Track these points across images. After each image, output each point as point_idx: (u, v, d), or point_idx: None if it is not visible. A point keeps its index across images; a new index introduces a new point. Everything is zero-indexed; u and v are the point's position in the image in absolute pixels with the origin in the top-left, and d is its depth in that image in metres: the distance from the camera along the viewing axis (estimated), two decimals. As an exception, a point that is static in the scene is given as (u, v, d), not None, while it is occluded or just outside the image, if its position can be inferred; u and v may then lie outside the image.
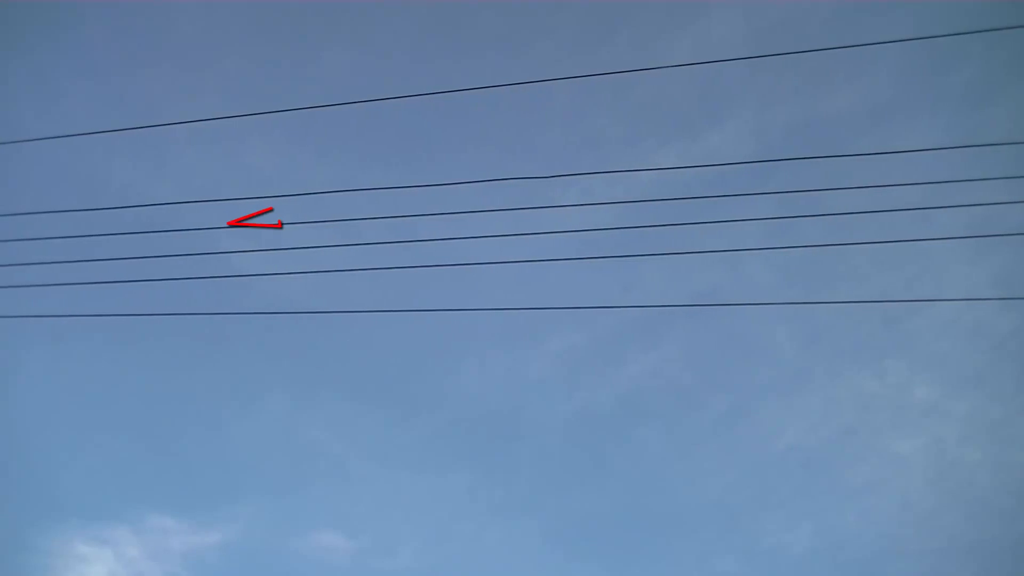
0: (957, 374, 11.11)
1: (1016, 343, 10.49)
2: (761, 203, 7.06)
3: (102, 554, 11.66)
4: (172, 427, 12.28)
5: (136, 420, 12.30)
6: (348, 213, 7.01)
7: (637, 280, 10.42)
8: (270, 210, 7.33)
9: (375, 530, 11.85)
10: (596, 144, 10.95)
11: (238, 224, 7.33)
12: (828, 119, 10.55)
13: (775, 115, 10.77)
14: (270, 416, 12.44)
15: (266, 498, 12.06)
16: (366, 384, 12.42)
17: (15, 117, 11.10)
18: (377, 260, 7.12)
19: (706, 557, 11.30)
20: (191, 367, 12.36)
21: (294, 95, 10.30)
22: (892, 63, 10.11)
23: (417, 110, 10.94)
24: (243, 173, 11.33)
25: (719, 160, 7.23)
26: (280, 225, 7.29)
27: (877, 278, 9.91)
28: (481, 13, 11.06)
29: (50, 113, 11.31)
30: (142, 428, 12.26)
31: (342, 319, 11.66)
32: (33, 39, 11.17)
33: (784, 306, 11.27)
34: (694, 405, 11.98)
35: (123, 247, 7.32)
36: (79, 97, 11.46)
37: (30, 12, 11.06)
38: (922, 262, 9.90)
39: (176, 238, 7.28)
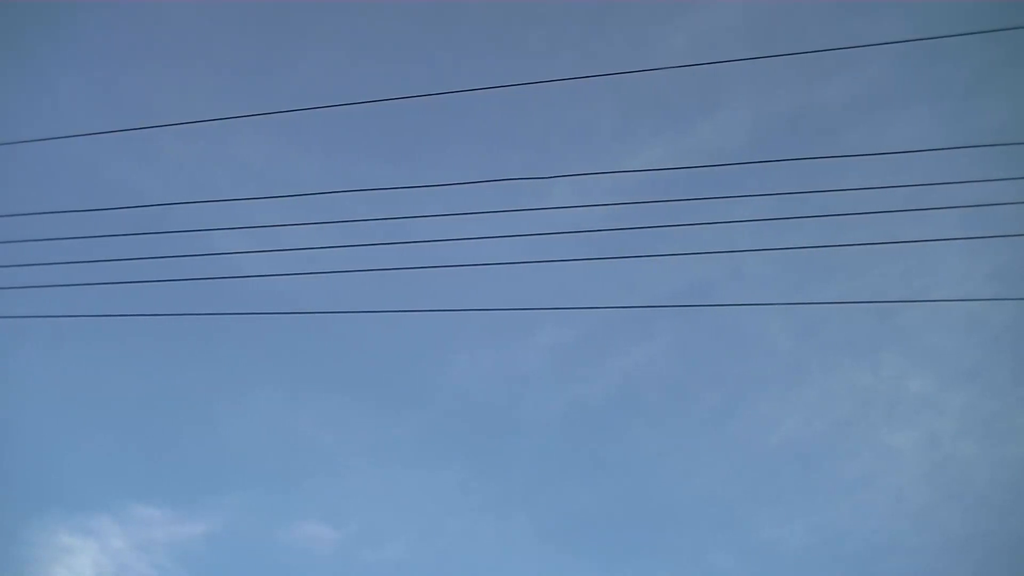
0: (952, 368, 11.08)
1: (1012, 337, 10.46)
2: (755, 198, 7.00)
3: (87, 545, 11.68)
4: (163, 420, 12.29)
5: (127, 414, 12.33)
6: (341, 212, 7.00)
7: (629, 274, 10.33)
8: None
9: (362, 522, 11.86)
10: (588, 135, 10.88)
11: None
12: (822, 110, 10.49)
13: (768, 106, 10.70)
14: (260, 410, 12.45)
15: (254, 490, 12.08)
16: (357, 378, 12.42)
17: (13, 117, 11.08)
18: (369, 258, 7.10)
19: (700, 552, 11.29)
20: (182, 361, 12.37)
21: (290, 95, 10.30)
22: (887, 55, 10.02)
23: (409, 107, 10.86)
24: (240, 172, 11.34)
25: (711, 150, 7.18)
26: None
27: (872, 272, 9.86)
28: (476, 5, 10.99)
29: (47, 112, 11.32)
30: (133, 421, 12.28)
31: (334, 315, 11.60)
32: (29, 39, 11.15)
33: (776, 299, 11.23)
34: (687, 399, 11.95)
35: (119, 246, 7.32)
36: (76, 97, 11.48)
37: (27, 12, 11.05)
38: (917, 256, 9.83)
39: (171, 237, 7.28)
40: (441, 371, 12.20)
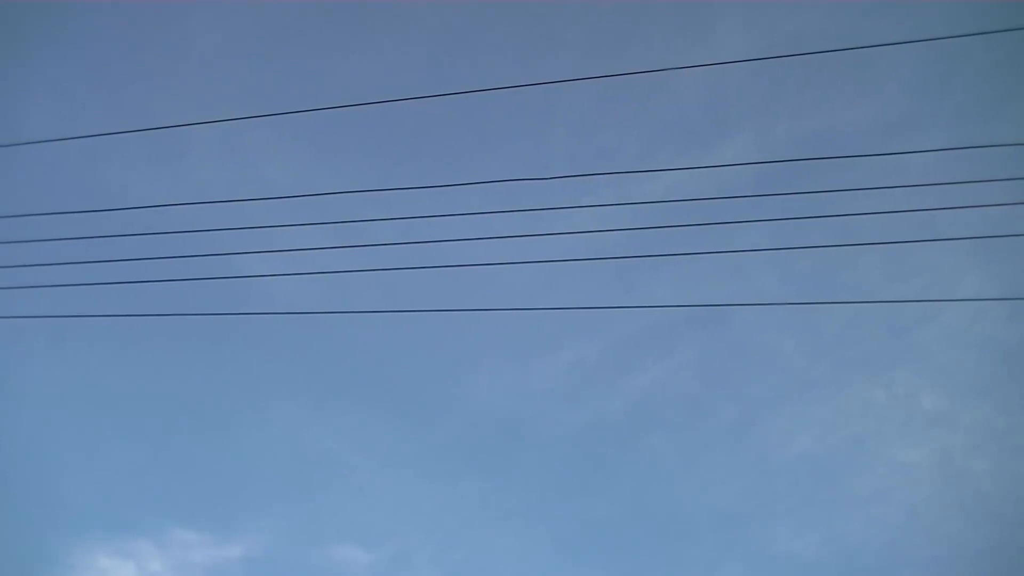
0: (965, 384, 11.18)
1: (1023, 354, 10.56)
2: (769, 213, 7.12)
3: (124, 567, 11.72)
4: (188, 436, 12.36)
5: (151, 429, 12.37)
6: (360, 216, 7.01)
7: (647, 292, 10.50)
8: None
9: (391, 542, 11.94)
10: (604, 157, 11.03)
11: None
12: (836, 133, 10.62)
13: (783, 129, 10.84)
14: (282, 424, 12.52)
15: (283, 509, 12.13)
16: (378, 393, 12.51)
17: (20, 119, 11.11)
18: (389, 264, 7.16)
19: (715, 564, 11.38)
20: (200, 373, 12.44)
21: (304, 98, 10.27)
22: (901, 78, 10.20)
23: (433, 120, 11.03)
24: (250, 175, 11.38)
25: (727, 175, 7.29)
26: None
27: (887, 290, 9.97)
28: (485, 37, 11.12)
29: (54, 115, 11.30)
30: (157, 437, 12.34)
31: (355, 329, 11.74)
32: (40, 41, 11.15)
33: (792, 317, 11.37)
34: (703, 414, 12.07)
35: (132, 250, 7.33)
36: (77, 97, 11.45)
37: (36, 13, 11.07)
38: (931, 273, 9.97)
39: (183, 240, 7.29)
40: (461, 385, 12.33)
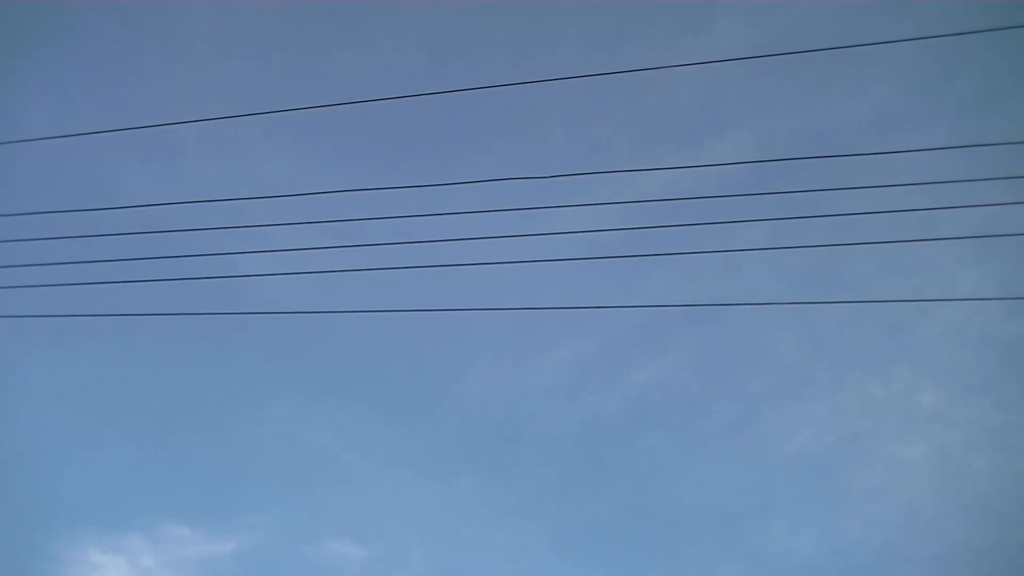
0: (962, 382, 11.18)
1: (1022, 351, 10.55)
2: (766, 210, 7.11)
3: (116, 563, 11.73)
4: (183, 433, 12.37)
5: (145, 426, 12.38)
6: (357, 215, 7.01)
7: (642, 289, 10.50)
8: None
9: (386, 538, 11.95)
10: (600, 154, 11.02)
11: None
12: (832, 130, 10.62)
13: (779, 125, 10.84)
14: (278, 422, 12.53)
15: (277, 505, 12.14)
16: (374, 390, 12.52)
17: (18, 117, 11.10)
18: (385, 263, 7.16)
19: (712, 562, 11.40)
20: (196, 371, 12.45)
21: (300, 96, 10.26)
22: (897, 73, 10.19)
23: (430, 119, 11.03)
24: (247, 174, 11.39)
25: (724, 172, 7.28)
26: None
27: (884, 286, 9.97)
28: (481, 37, 11.12)
29: (54, 113, 11.32)
30: (152, 434, 12.35)
31: (351, 327, 11.75)
32: (37, 40, 11.17)
33: (789, 314, 11.37)
34: (700, 412, 12.07)
35: (129, 249, 7.34)
36: (77, 97, 11.47)
37: (36, 13, 11.08)
38: (929, 270, 9.97)
39: (180, 239, 7.30)
40: (458, 383, 12.33)
